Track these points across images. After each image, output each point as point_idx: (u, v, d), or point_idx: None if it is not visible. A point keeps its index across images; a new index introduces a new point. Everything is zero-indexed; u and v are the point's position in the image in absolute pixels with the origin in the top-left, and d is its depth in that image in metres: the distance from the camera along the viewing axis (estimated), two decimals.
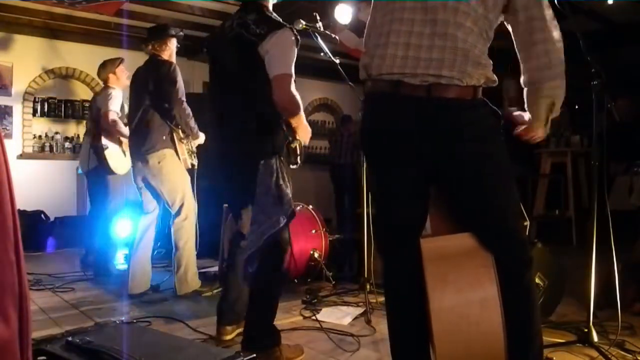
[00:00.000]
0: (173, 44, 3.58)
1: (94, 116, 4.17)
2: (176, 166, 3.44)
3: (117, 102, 4.07)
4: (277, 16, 2.39)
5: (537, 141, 1.78)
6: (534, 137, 1.74)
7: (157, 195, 3.51)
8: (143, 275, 3.50)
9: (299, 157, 2.39)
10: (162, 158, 3.39)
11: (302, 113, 2.36)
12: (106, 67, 4.22)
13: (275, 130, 2.33)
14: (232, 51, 2.35)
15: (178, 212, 3.46)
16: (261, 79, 2.25)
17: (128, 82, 4.21)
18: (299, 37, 2.30)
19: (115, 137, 4.12)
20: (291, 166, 2.38)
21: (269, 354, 2.24)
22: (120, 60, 4.27)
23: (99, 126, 4.07)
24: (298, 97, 2.29)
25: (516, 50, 1.65)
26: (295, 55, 2.29)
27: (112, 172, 4.10)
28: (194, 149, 3.58)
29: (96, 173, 4.18)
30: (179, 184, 3.45)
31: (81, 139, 6.31)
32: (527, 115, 1.73)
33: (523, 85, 1.68)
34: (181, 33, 3.71)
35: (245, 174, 2.31)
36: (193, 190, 3.56)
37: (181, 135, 3.45)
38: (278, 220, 2.25)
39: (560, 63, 1.60)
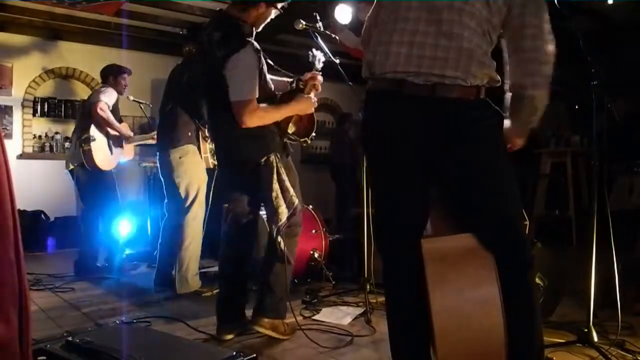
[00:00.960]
0: None
1: (86, 110, 4.14)
2: (197, 163, 3.48)
3: (110, 98, 4.08)
4: (245, 29, 2.42)
5: (512, 150, 1.76)
6: (511, 147, 1.73)
7: (172, 191, 3.51)
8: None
9: (308, 138, 2.64)
10: (184, 153, 3.44)
11: (286, 109, 2.49)
12: (111, 68, 4.26)
13: (265, 132, 2.46)
14: (204, 74, 2.49)
15: (188, 210, 3.47)
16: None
17: (123, 92, 4.27)
18: (260, 52, 2.39)
19: (104, 129, 4.10)
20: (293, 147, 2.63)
21: (272, 321, 2.50)
22: (127, 71, 4.31)
23: (90, 119, 4.05)
24: (262, 109, 2.38)
25: (506, 55, 1.64)
26: (257, 74, 2.36)
27: (97, 168, 4.05)
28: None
29: (82, 170, 4.12)
30: (195, 181, 3.49)
31: None
32: (506, 123, 1.72)
33: (508, 91, 1.66)
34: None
35: (246, 175, 2.48)
36: (210, 190, 3.58)
37: (206, 133, 3.48)
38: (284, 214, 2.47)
39: (546, 75, 1.59)
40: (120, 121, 4.31)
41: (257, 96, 2.36)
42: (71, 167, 4.22)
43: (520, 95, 1.63)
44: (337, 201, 7.07)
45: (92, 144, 4.01)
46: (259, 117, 2.39)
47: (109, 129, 4.14)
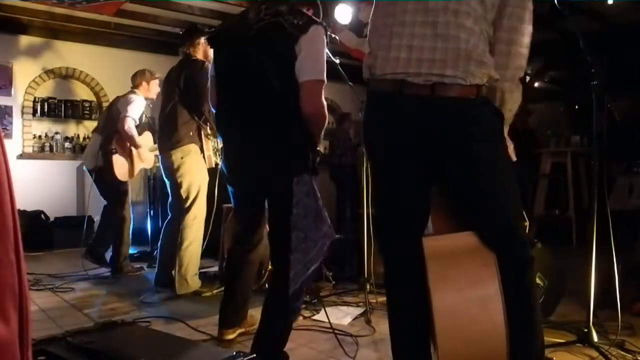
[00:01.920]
0: (205, 42, 3.57)
1: (113, 116, 4.15)
2: (198, 163, 3.48)
3: (138, 109, 4.09)
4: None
5: None
6: None
7: (175, 191, 3.52)
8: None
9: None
10: (186, 153, 3.45)
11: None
12: (142, 74, 4.27)
13: (312, 142, 2.05)
14: (263, 42, 2.05)
15: (188, 210, 3.48)
16: (294, 78, 2.00)
17: (154, 97, 4.27)
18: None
19: (125, 144, 4.12)
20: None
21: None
22: (157, 76, 4.31)
23: (114, 128, 4.07)
24: (325, 107, 2.07)
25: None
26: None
27: (115, 178, 4.09)
28: (220, 147, 3.59)
29: (101, 173, 4.17)
30: (197, 181, 3.49)
31: (81, 139, 6.33)
32: None
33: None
34: (213, 30, 3.72)
35: (276, 190, 2.06)
36: (215, 189, 3.59)
37: (208, 131, 3.48)
38: (323, 247, 1.98)
39: (517, 68, 1.60)
40: (143, 128, 4.35)
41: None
42: (89, 168, 4.26)
43: (491, 86, 1.63)
44: (337, 202, 7.05)
45: (114, 156, 4.05)
46: (324, 108, 2.03)
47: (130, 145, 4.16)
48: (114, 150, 4.06)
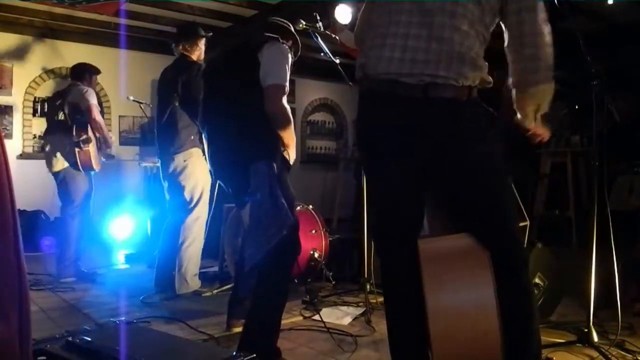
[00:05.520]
0: (202, 44, 3.61)
1: (75, 110, 4.16)
2: (201, 166, 3.48)
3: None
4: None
5: (542, 141, 1.77)
6: (538, 138, 1.74)
7: (175, 193, 3.52)
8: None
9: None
10: (188, 157, 3.46)
11: (292, 130, 2.30)
12: (85, 68, 4.30)
13: (267, 135, 2.22)
14: (233, 56, 2.38)
15: (191, 211, 3.48)
16: (258, 85, 2.21)
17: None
18: (293, 57, 2.32)
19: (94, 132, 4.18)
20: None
21: None
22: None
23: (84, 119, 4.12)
24: (289, 110, 2.25)
25: (506, 51, 1.64)
26: (289, 71, 2.27)
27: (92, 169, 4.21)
28: None
29: (71, 171, 4.31)
30: (200, 184, 3.50)
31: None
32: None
33: (511, 87, 1.67)
34: (210, 34, 3.74)
35: (239, 178, 2.23)
36: (214, 191, 3.60)
37: None
38: (275, 234, 2.08)
39: (547, 68, 1.59)
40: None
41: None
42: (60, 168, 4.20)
43: (522, 93, 1.63)
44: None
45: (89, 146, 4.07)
46: (284, 110, 2.22)
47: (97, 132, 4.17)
48: (90, 139, 4.13)
